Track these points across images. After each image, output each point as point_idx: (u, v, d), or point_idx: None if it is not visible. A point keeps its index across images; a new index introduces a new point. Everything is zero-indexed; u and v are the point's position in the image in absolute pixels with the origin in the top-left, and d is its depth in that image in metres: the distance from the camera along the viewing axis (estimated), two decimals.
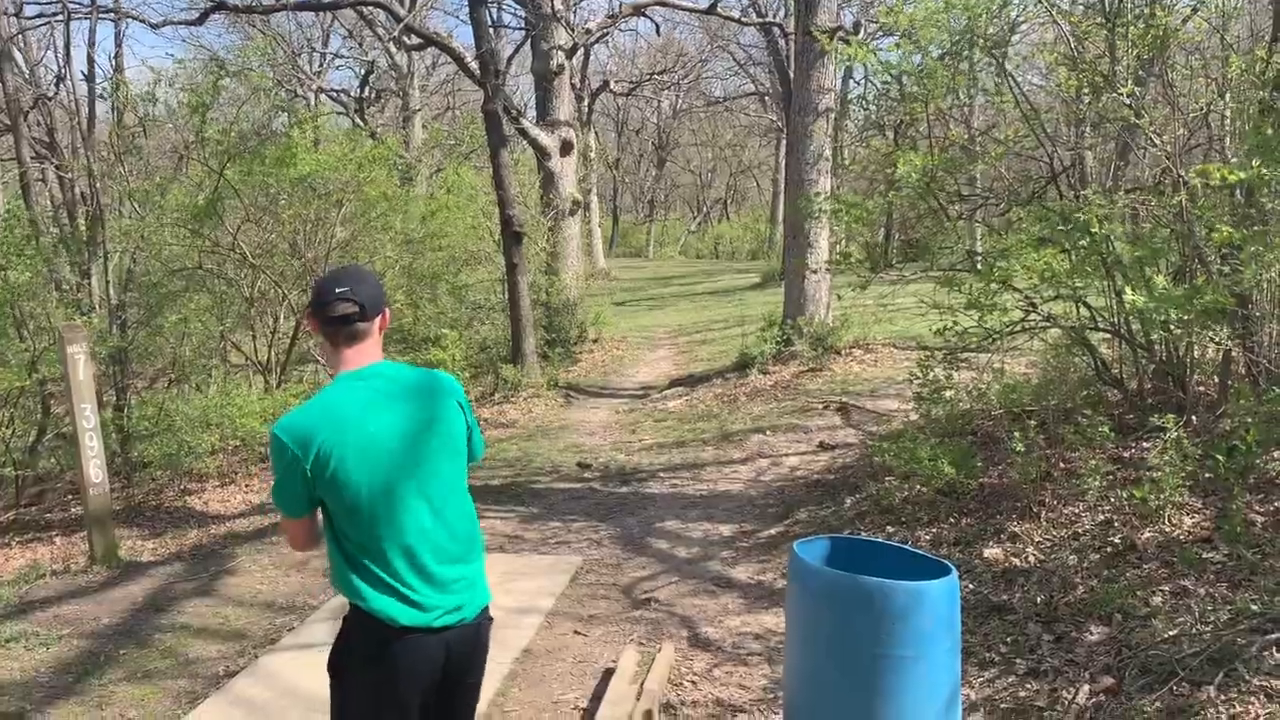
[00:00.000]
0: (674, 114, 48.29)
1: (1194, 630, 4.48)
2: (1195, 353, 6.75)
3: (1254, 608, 4.50)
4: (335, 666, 2.93)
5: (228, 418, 9.84)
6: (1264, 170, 4.81)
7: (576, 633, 5.77)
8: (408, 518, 2.88)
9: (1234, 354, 6.51)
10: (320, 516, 2.92)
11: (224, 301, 11.61)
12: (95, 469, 7.51)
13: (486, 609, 3.07)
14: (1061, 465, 6.58)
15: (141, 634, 6.21)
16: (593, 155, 31.73)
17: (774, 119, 37.71)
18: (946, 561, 3.85)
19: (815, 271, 14.86)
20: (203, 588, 7.06)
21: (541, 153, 16.21)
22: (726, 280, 29.99)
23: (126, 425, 10.66)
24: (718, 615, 5.88)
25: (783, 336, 14.81)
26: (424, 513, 2.90)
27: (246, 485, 10.10)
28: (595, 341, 17.06)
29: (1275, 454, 5.76)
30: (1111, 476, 6.08)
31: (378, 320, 2.96)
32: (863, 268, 8.20)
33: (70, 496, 10.39)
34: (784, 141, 30.90)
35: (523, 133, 16.00)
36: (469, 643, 2.98)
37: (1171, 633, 4.53)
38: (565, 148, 16.18)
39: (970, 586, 5.57)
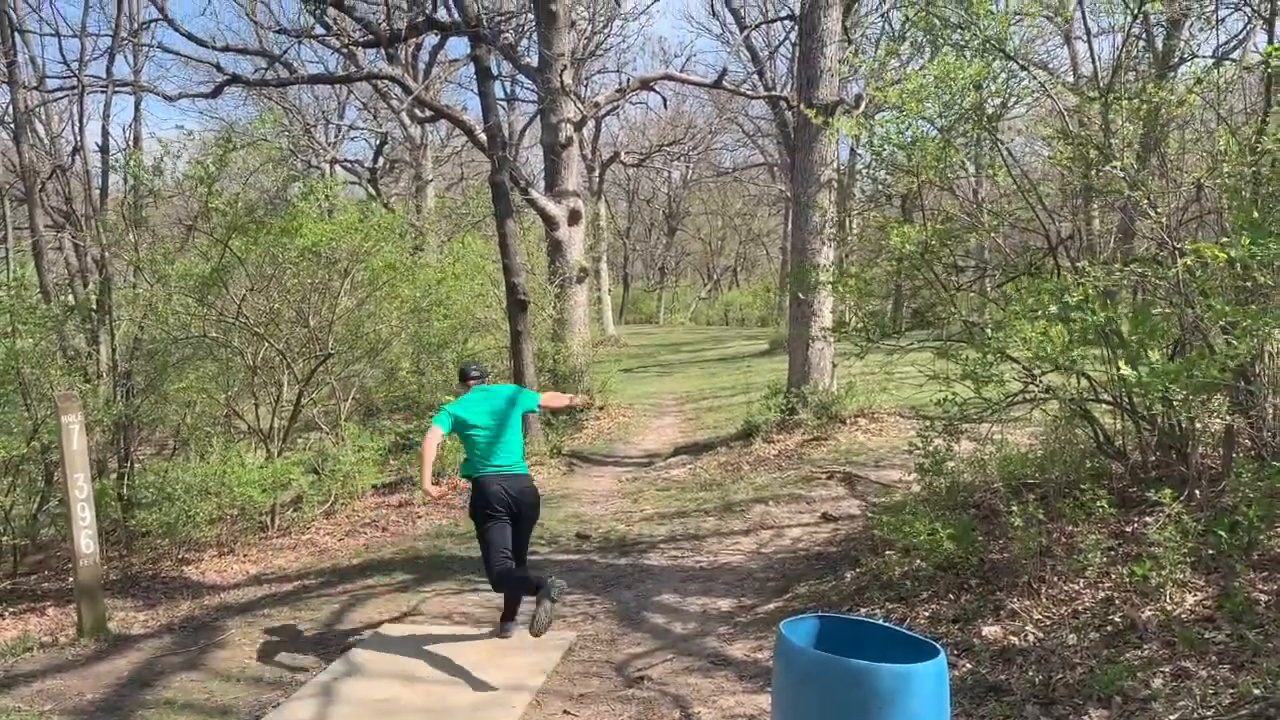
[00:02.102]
0: (684, 184, 48.83)
1: (1195, 715, 4.31)
2: (1198, 425, 6.62)
3: (1256, 692, 4.32)
4: (471, 512, 6.55)
5: (227, 486, 9.74)
6: (1254, 248, 4.74)
7: (566, 713, 5.60)
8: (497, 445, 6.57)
9: (1236, 427, 6.37)
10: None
11: (229, 369, 11.56)
12: (86, 539, 7.40)
13: (528, 475, 6.66)
14: (1062, 540, 6.41)
15: (124, 709, 6.05)
16: (603, 224, 31.94)
17: (782, 189, 38.06)
18: (935, 643, 3.71)
19: (818, 339, 14.76)
20: (191, 661, 6.90)
21: (549, 222, 16.16)
22: (736, 346, 29.84)
23: (128, 493, 10.55)
24: (711, 695, 5.70)
25: (787, 405, 14.65)
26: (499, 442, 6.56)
27: (244, 555, 9.96)
28: (602, 409, 16.85)
29: (1279, 530, 5.61)
30: (1113, 552, 5.92)
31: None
32: (859, 337, 8.06)
33: (69, 565, 10.23)
34: (790, 211, 31.26)
35: (531, 202, 15.94)
36: (521, 483, 6.54)
37: (1172, 717, 4.36)
38: (573, 217, 16.12)
39: (968, 666, 5.40)
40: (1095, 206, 7.76)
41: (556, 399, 7.14)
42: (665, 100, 26.81)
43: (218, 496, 9.78)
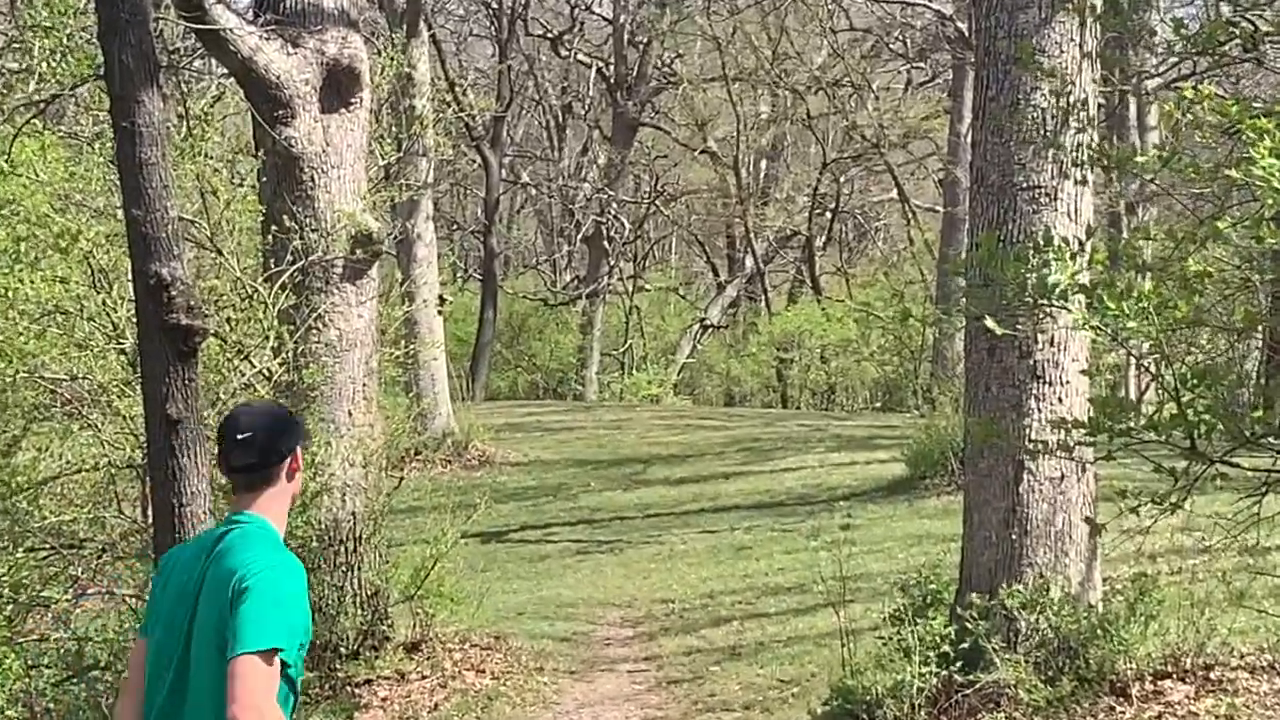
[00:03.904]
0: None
1: None
2: None
3: None
4: None
5: None
6: None
7: None
8: None
9: None
10: None
11: None
12: None
13: None
14: None
15: None
16: (420, 100, 19.88)
17: (939, 20, 24.04)
18: None
19: (1051, 454, 6.44)
20: None
21: (269, 100, 7.89)
22: (812, 463, 16.67)
23: None
24: None
25: (956, 642, 6.77)
26: None
27: None
28: (414, 649, 8.51)
29: None
30: None
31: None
32: (1176, 452, 4.77)
33: None
34: (970, 84, 16.51)
35: (212, 43, 7.81)
36: None
37: None
38: (336, 84, 7.95)
39: None
40: None
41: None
42: None
43: None
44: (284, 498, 3.36)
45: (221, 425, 3.35)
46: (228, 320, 7.73)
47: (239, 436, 3.26)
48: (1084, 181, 6.96)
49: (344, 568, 8.26)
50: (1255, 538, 6.05)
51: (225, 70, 9.68)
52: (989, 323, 5.18)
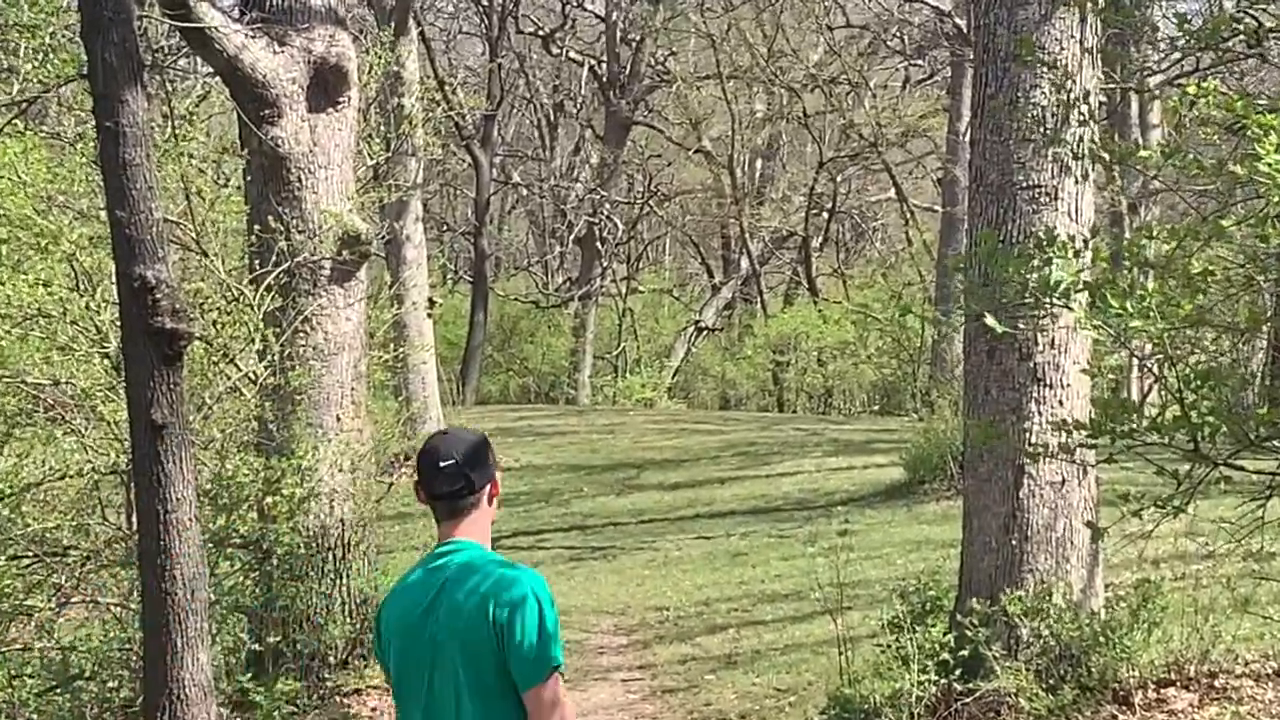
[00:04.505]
0: None
1: None
2: None
3: None
4: None
5: None
6: None
7: None
8: None
9: None
10: None
11: None
12: None
13: None
14: None
15: None
16: (410, 99, 19.87)
17: (938, 15, 23.96)
18: None
19: (1052, 457, 6.39)
20: None
21: (256, 100, 7.90)
22: (809, 467, 16.81)
23: None
24: None
25: (956, 650, 6.76)
26: None
27: None
28: None
29: None
30: None
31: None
32: (1178, 454, 4.77)
33: None
34: (968, 81, 17.08)
35: (198, 44, 7.83)
36: None
37: None
38: (324, 83, 7.96)
39: None
40: None
41: None
42: None
43: None
44: (485, 522, 3.47)
45: (422, 454, 3.44)
46: (213, 323, 7.77)
47: (441, 465, 3.37)
48: (1085, 180, 6.95)
49: (332, 575, 8.27)
50: (1260, 543, 6.06)
51: (210, 69, 9.68)
52: (989, 320, 5.17)
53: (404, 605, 3.42)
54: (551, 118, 35.49)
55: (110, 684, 7.02)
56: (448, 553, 3.39)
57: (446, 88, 26.63)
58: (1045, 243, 5.18)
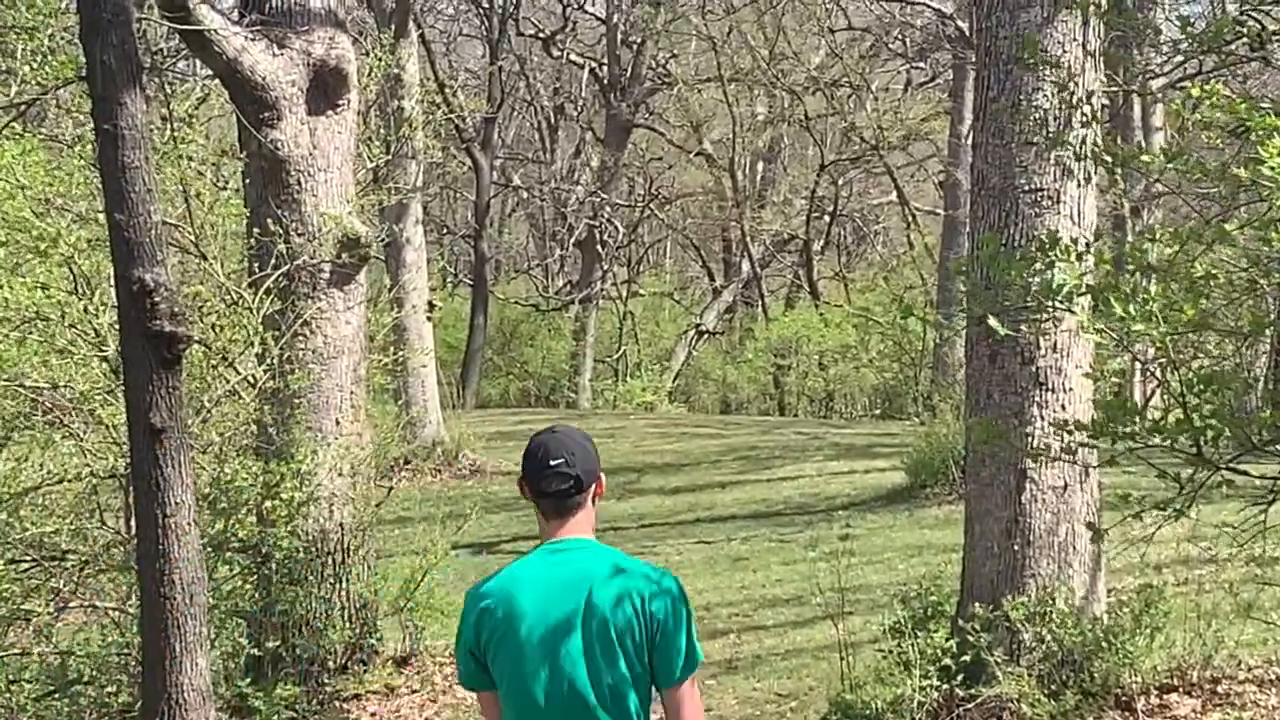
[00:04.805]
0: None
1: None
2: None
3: None
4: None
5: None
6: None
7: None
8: None
9: None
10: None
11: None
12: None
13: None
14: None
15: None
16: (410, 103, 19.71)
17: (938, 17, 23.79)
18: None
19: (1054, 462, 6.66)
20: None
21: (255, 102, 7.73)
22: (810, 471, 16.76)
23: None
24: None
25: (957, 655, 6.64)
26: None
27: None
28: (404, 663, 8.59)
29: None
30: None
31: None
32: (1183, 458, 4.69)
33: None
34: (970, 85, 17.02)
35: (197, 45, 7.67)
36: None
37: None
38: (323, 85, 7.75)
39: None
40: None
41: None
42: None
43: None
44: (590, 519, 3.48)
45: (530, 451, 3.48)
46: (212, 326, 7.67)
47: (551, 463, 3.41)
48: (1087, 183, 6.90)
49: (331, 580, 8.15)
50: (1263, 547, 5.99)
51: (210, 71, 9.54)
52: (992, 322, 5.10)
53: (536, 597, 3.36)
54: (552, 120, 35.44)
55: (109, 689, 6.94)
56: (568, 548, 3.40)
57: (447, 90, 26.59)
58: (1047, 246, 5.14)
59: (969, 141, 11.71)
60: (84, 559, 7.16)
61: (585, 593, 3.31)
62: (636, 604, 3.31)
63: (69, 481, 7.12)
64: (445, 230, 36.85)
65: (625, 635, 3.31)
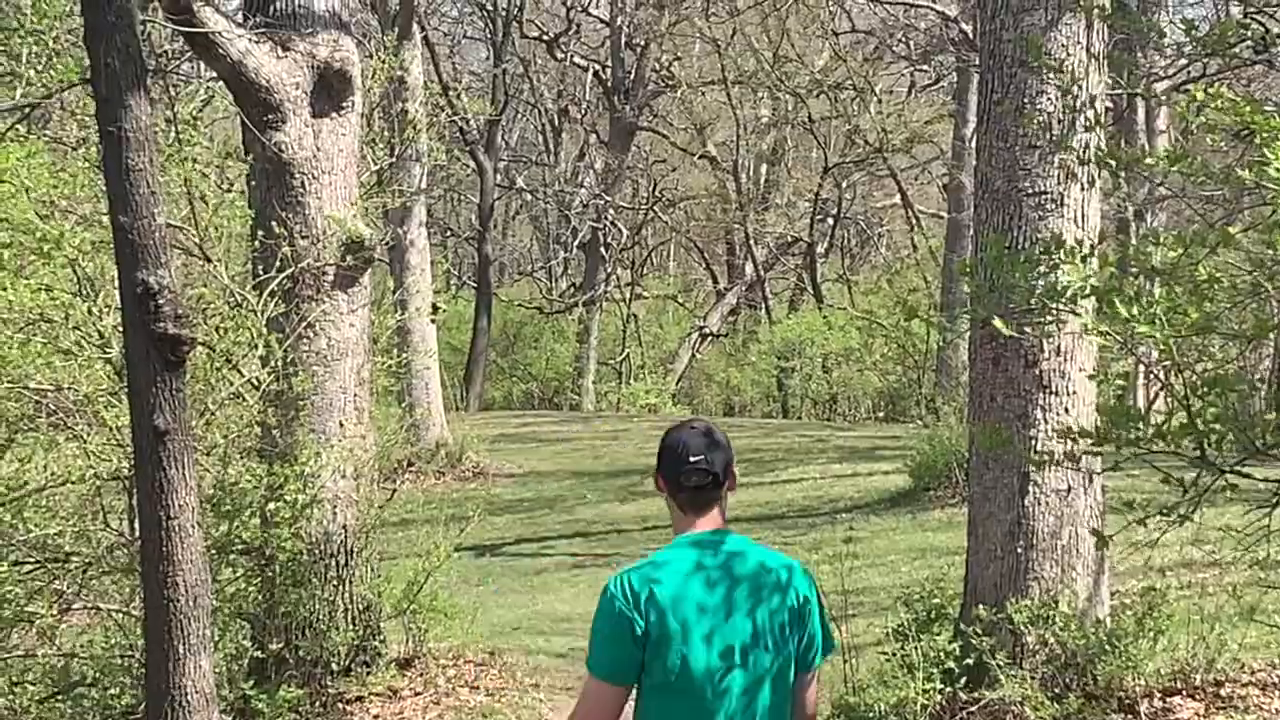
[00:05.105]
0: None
1: None
2: None
3: None
4: None
5: None
6: None
7: None
8: None
9: None
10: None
11: None
12: None
13: None
14: None
15: None
16: (415, 105, 19.18)
17: (943, 20, 23.60)
18: None
19: (1058, 465, 6.60)
20: None
21: (257, 105, 7.68)
22: (814, 474, 16.70)
23: None
24: None
25: (961, 658, 6.68)
26: None
27: None
28: (407, 666, 8.52)
29: None
30: None
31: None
32: (1189, 463, 4.65)
33: None
34: (974, 88, 17.08)
35: (200, 47, 7.59)
36: None
37: None
38: (327, 88, 7.69)
39: None
40: None
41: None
42: None
43: None
44: (724, 511, 3.56)
45: (669, 446, 3.54)
46: (216, 329, 7.65)
47: (691, 459, 3.47)
48: (1091, 186, 6.91)
49: (335, 582, 8.12)
50: (1266, 551, 6.00)
51: (214, 74, 9.51)
52: (997, 322, 5.11)
53: (700, 588, 3.42)
54: (556, 123, 35.44)
55: (112, 691, 6.93)
56: (716, 540, 3.47)
57: (451, 93, 26.61)
58: (1052, 249, 5.15)
59: (973, 144, 11.72)
60: (87, 561, 7.14)
61: (745, 584, 3.41)
62: (789, 592, 3.43)
63: (72, 483, 7.09)
64: (449, 233, 36.88)
65: (782, 623, 3.42)
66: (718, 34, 29.71)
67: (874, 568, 10.92)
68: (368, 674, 8.24)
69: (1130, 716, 6.51)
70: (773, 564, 3.50)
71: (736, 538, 3.52)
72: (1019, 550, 6.71)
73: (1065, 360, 6.79)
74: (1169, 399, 6.27)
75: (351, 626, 8.12)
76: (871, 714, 6.63)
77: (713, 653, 3.38)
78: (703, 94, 31.25)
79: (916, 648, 6.66)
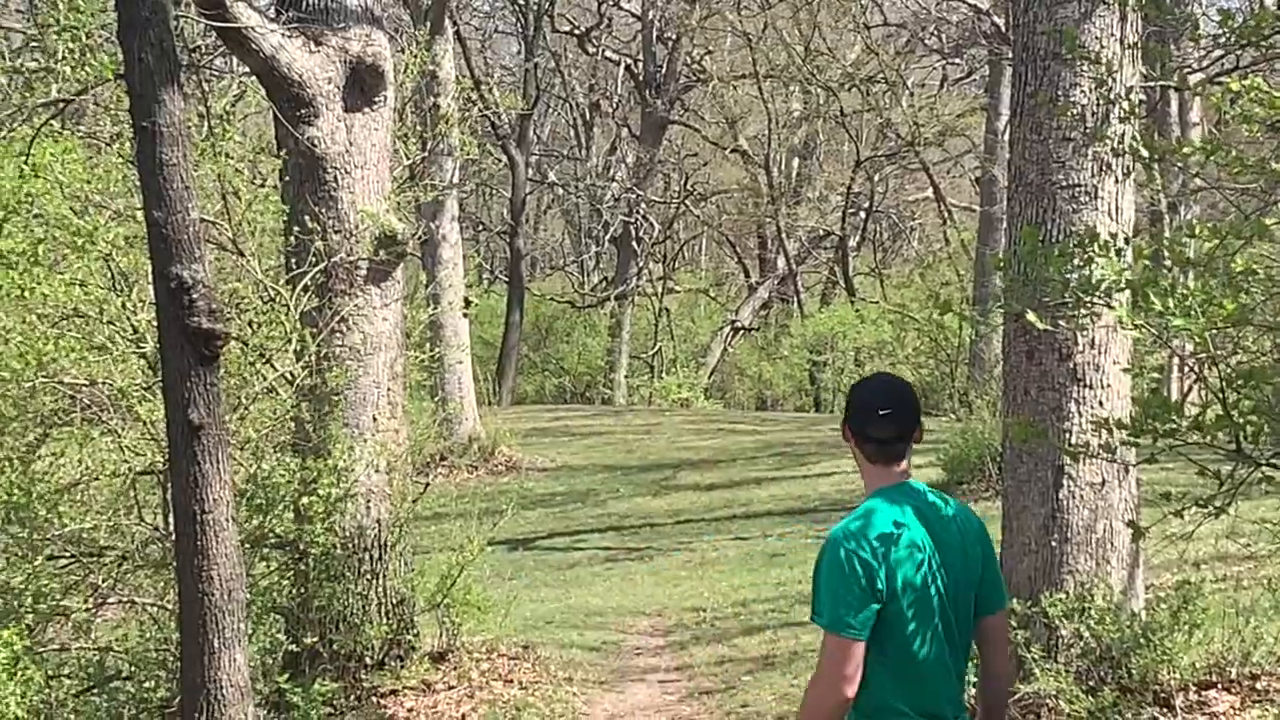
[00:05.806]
0: None
1: None
2: None
3: None
4: None
5: None
6: None
7: None
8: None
9: None
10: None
11: None
12: None
13: None
14: None
15: None
16: (447, 100, 17.82)
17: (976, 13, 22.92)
18: None
19: (1093, 458, 6.41)
20: None
21: (289, 100, 7.64)
22: (846, 468, 15.34)
23: None
24: None
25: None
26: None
27: None
28: (441, 659, 8.46)
29: None
30: None
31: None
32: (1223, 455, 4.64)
33: None
34: (1006, 85, 17.40)
35: (235, 44, 7.53)
36: None
37: None
38: (359, 82, 7.63)
39: None
40: None
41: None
42: None
43: None
44: (911, 462, 3.69)
45: (862, 397, 3.67)
46: (249, 323, 7.63)
47: (881, 412, 3.58)
48: (1125, 178, 6.81)
49: (369, 576, 8.09)
50: None
51: (246, 69, 9.48)
52: (1031, 316, 5.05)
53: (919, 534, 3.50)
54: (587, 117, 35.40)
55: (147, 684, 6.92)
56: (917, 491, 3.60)
57: (482, 87, 26.54)
58: (1086, 241, 5.07)
59: (1006, 137, 11.61)
60: (122, 555, 7.14)
61: (953, 526, 3.55)
62: (983, 538, 3.61)
63: (107, 478, 7.09)
64: (481, 227, 36.92)
65: (981, 569, 3.58)
66: (749, 28, 29.57)
67: None
68: (401, 667, 8.20)
69: (1165, 710, 6.38)
70: (965, 511, 3.65)
71: (930, 491, 3.64)
72: (1053, 544, 6.63)
73: (1100, 353, 6.68)
74: (1204, 391, 6.19)
75: (385, 620, 8.08)
76: None
77: (944, 593, 3.47)
78: (734, 88, 31.09)
79: None
